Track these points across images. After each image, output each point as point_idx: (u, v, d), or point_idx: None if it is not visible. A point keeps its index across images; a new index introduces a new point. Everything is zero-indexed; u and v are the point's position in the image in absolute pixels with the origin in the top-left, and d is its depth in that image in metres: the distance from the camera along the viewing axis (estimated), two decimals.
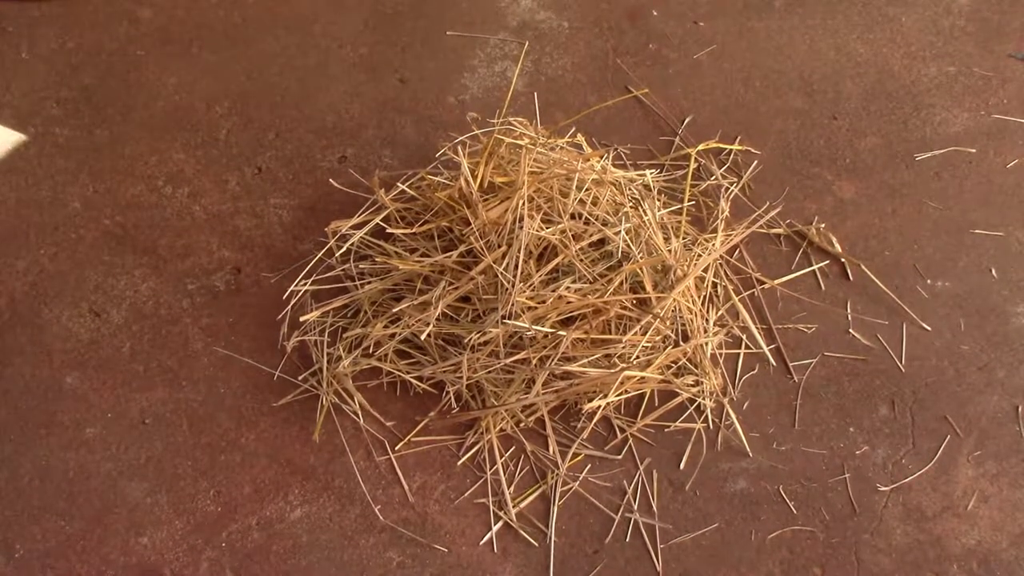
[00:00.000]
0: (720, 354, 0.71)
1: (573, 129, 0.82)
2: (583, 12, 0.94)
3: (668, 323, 0.68)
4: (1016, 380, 0.71)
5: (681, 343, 0.68)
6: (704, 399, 0.68)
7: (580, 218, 0.72)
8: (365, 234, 0.73)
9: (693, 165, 0.79)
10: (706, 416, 0.68)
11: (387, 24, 0.89)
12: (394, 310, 0.67)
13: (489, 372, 0.66)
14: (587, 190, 0.73)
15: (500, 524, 0.63)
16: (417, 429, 0.67)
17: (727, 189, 0.79)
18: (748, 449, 0.66)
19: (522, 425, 0.67)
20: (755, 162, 0.82)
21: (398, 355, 0.68)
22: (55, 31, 0.90)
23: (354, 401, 0.67)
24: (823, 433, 0.68)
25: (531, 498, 0.65)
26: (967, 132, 0.86)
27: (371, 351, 0.68)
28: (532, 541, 0.63)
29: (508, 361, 0.65)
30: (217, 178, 0.79)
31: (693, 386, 0.68)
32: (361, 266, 0.72)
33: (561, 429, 0.67)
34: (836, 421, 0.69)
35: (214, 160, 0.80)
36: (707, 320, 0.70)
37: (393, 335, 0.68)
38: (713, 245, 0.73)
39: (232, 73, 0.87)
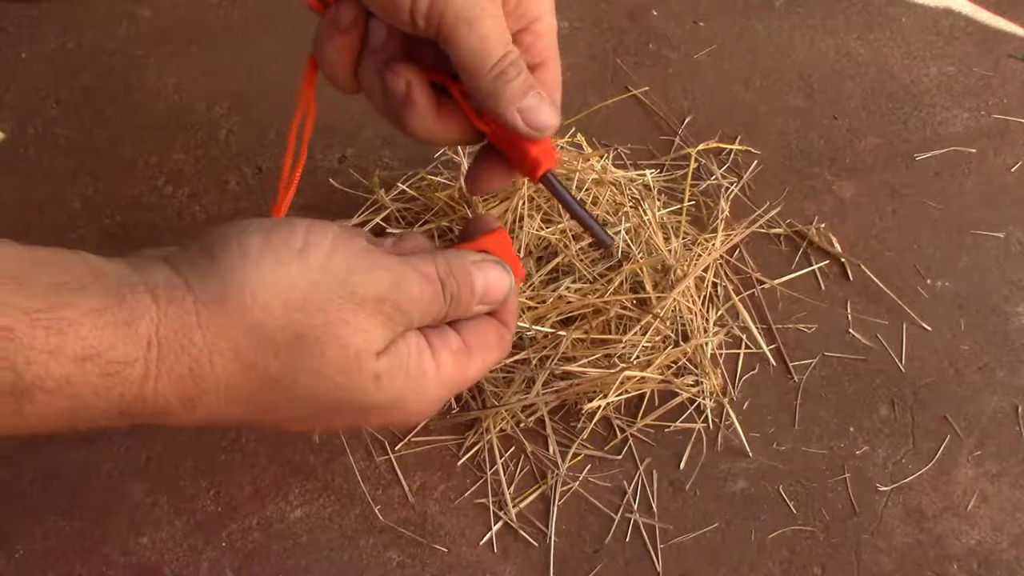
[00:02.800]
0: (720, 354, 0.71)
1: (573, 129, 0.82)
2: (583, 12, 0.94)
3: (668, 323, 0.68)
4: (1016, 380, 0.71)
5: (681, 343, 0.68)
6: (704, 399, 0.68)
7: None
8: None
9: (693, 165, 0.79)
10: (706, 416, 0.68)
11: None
12: None
13: (489, 372, 0.66)
14: (587, 190, 0.73)
15: (500, 524, 0.63)
16: (417, 429, 0.67)
17: (727, 189, 0.79)
18: (748, 449, 0.66)
19: (522, 425, 0.67)
20: (755, 162, 0.82)
21: None
22: (55, 31, 0.90)
23: None
24: (823, 433, 0.68)
25: (531, 498, 0.65)
26: (967, 132, 0.86)
27: None
28: (532, 541, 0.63)
29: (508, 361, 0.65)
30: (217, 178, 0.79)
31: (693, 386, 0.68)
32: None
33: (561, 429, 0.67)
34: (836, 421, 0.69)
35: (214, 160, 0.80)
36: (707, 320, 0.70)
37: None
38: (713, 245, 0.73)
39: (232, 73, 0.87)
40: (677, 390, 0.68)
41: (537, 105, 0.46)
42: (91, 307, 0.34)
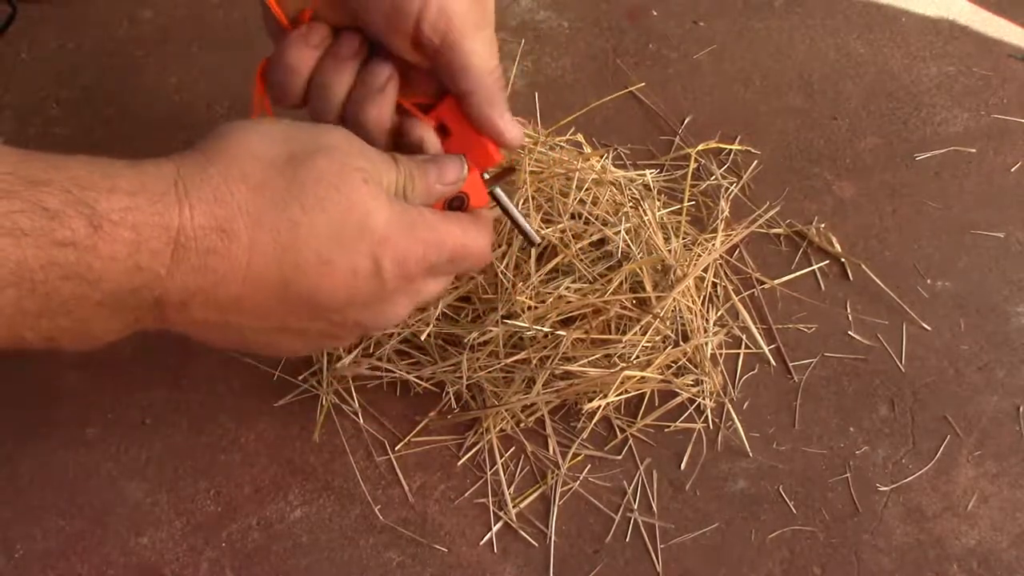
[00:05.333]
0: (720, 354, 0.71)
1: (572, 129, 0.82)
2: (583, 12, 0.94)
3: (668, 323, 0.68)
4: (1016, 380, 0.71)
5: (681, 343, 0.68)
6: (704, 399, 0.68)
7: (580, 218, 0.72)
8: None
9: (693, 165, 0.79)
10: (706, 416, 0.68)
11: None
12: None
13: (489, 372, 0.66)
14: (587, 190, 0.73)
15: (500, 524, 0.63)
16: (417, 429, 0.67)
17: (727, 189, 0.79)
18: (748, 449, 0.66)
19: (522, 425, 0.67)
20: (755, 162, 0.82)
21: (398, 355, 0.68)
22: (55, 31, 0.90)
23: (354, 401, 0.68)
24: (823, 433, 0.68)
25: (531, 498, 0.65)
26: (967, 132, 0.86)
27: (371, 351, 0.68)
28: (532, 541, 0.63)
29: (508, 361, 0.65)
30: None
31: (693, 386, 0.68)
32: None
33: (561, 429, 0.67)
34: (836, 421, 0.69)
35: None
36: (707, 320, 0.70)
37: (392, 335, 0.68)
38: (713, 245, 0.73)
39: (232, 73, 0.87)
40: (677, 390, 0.68)
41: (511, 118, 0.53)
42: (124, 164, 0.42)
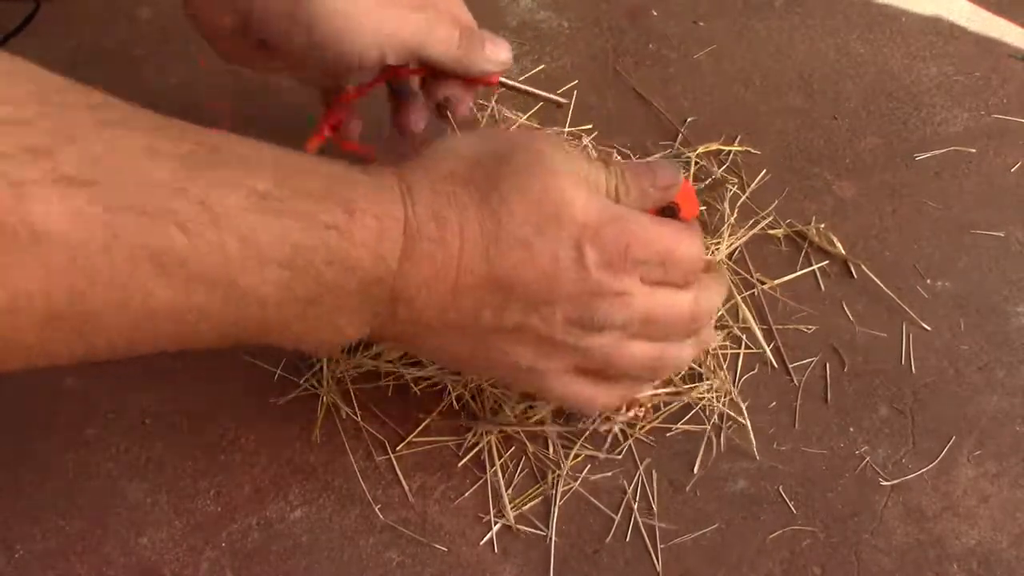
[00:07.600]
0: (722, 355, 0.70)
1: (578, 133, 0.81)
2: (583, 12, 0.94)
3: None
4: (1016, 380, 0.71)
5: None
6: (711, 396, 0.68)
7: None
8: None
9: (693, 167, 0.79)
10: (712, 417, 0.68)
11: None
12: None
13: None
14: None
15: (500, 524, 0.63)
16: (418, 430, 0.67)
17: (727, 190, 0.79)
18: (755, 450, 0.66)
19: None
20: (755, 162, 0.82)
21: (398, 355, 0.68)
22: (55, 31, 0.90)
23: (354, 401, 0.67)
24: (823, 433, 0.68)
25: (532, 499, 0.65)
26: (967, 132, 0.86)
27: (372, 351, 0.68)
28: (532, 541, 0.63)
29: None
30: None
31: (693, 389, 0.68)
32: None
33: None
34: (836, 421, 0.69)
35: None
36: None
37: None
38: (718, 248, 0.73)
39: (232, 73, 0.87)
40: (682, 394, 0.67)
41: (496, 49, 0.61)
42: (350, 165, 0.46)
